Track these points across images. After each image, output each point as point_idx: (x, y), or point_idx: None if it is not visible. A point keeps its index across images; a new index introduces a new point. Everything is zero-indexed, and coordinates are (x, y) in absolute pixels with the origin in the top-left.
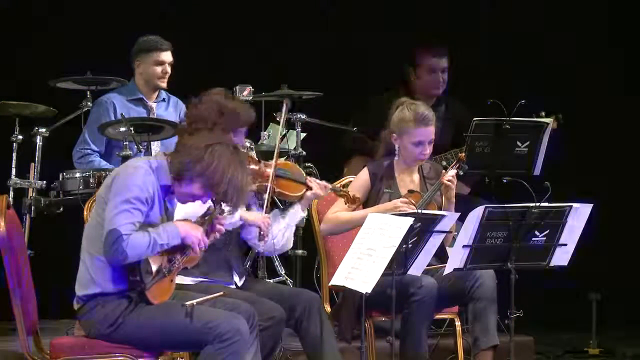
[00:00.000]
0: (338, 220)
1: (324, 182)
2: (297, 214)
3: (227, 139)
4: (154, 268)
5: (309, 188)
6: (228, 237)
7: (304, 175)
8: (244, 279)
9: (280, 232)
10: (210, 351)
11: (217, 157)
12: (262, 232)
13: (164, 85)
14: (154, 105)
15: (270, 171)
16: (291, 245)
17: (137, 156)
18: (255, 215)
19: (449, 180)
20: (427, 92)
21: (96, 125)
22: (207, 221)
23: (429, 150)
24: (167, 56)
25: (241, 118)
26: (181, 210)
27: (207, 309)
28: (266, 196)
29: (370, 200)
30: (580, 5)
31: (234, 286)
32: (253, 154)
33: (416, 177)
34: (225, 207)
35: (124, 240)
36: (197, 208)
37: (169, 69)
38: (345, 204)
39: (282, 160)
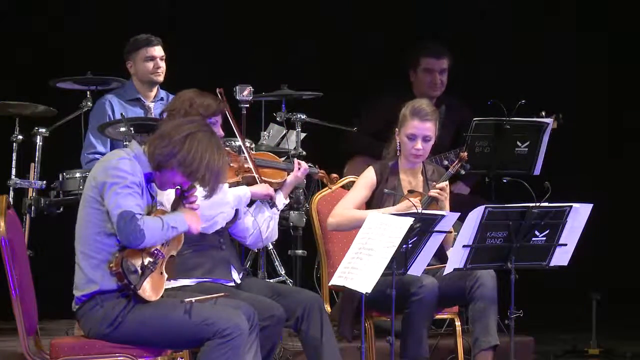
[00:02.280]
0: (346, 216)
1: (304, 164)
2: (279, 201)
3: (203, 122)
4: (138, 266)
5: (290, 172)
6: (222, 236)
7: (282, 161)
8: (242, 275)
9: (265, 222)
10: (211, 347)
11: (196, 145)
12: (273, 199)
13: (160, 79)
14: (151, 105)
15: (249, 163)
16: (276, 236)
17: None
18: (260, 187)
19: (437, 192)
20: (425, 93)
21: (97, 126)
22: (185, 198)
23: (421, 146)
24: (156, 51)
25: (210, 108)
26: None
27: (207, 306)
28: (251, 165)
29: (374, 199)
30: (581, 5)
31: (233, 284)
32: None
33: (419, 178)
34: (202, 192)
35: (138, 220)
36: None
37: (161, 63)
38: (325, 184)
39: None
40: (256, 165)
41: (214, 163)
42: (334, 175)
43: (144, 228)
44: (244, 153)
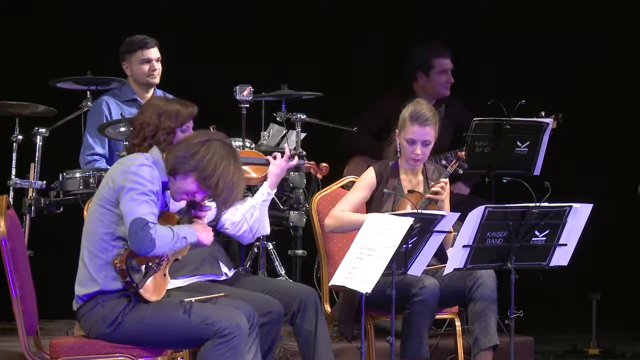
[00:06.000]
0: (342, 219)
1: (291, 154)
2: (262, 192)
3: (223, 137)
4: (143, 266)
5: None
6: None
7: (264, 157)
8: (232, 269)
9: (248, 212)
10: (210, 347)
11: (212, 152)
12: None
13: (156, 81)
14: None
15: None
16: (268, 230)
17: None
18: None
19: (435, 193)
20: (438, 93)
21: (95, 127)
22: (191, 210)
23: (421, 151)
24: (152, 53)
25: (180, 116)
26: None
27: (206, 306)
28: None
29: (374, 200)
30: (580, 6)
31: (224, 277)
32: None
33: (420, 178)
34: (213, 205)
35: (151, 228)
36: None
37: (157, 65)
38: (315, 174)
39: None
40: None
41: (229, 173)
42: (324, 164)
43: (155, 237)
44: None
